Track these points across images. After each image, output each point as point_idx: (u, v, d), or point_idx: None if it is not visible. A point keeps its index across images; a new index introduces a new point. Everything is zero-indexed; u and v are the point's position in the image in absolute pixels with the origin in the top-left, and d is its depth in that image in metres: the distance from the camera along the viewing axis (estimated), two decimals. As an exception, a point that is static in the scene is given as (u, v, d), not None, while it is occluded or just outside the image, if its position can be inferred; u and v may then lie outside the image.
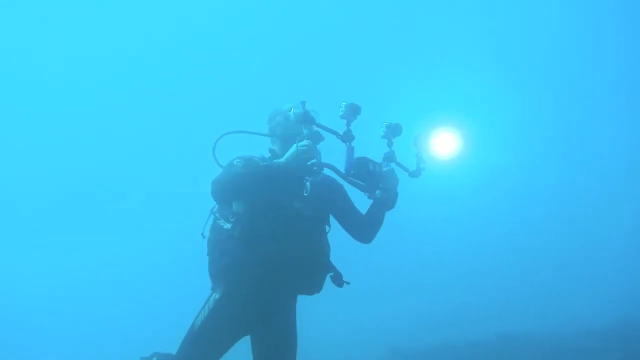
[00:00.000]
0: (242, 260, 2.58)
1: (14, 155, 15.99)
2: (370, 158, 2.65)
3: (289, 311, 2.77)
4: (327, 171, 2.69)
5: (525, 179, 14.99)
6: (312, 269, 2.67)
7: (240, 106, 13.07)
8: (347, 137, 2.58)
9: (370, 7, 17.28)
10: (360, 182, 2.68)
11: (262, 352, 2.70)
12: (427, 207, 12.84)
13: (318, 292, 2.74)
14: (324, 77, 15.15)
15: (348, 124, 2.59)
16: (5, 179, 15.21)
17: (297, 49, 16.96)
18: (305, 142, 2.52)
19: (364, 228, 2.90)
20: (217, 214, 2.76)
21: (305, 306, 2.90)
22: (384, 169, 2.69)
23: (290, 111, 2.68)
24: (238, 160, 2.72)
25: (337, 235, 2.87)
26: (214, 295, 2.68)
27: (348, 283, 2.74)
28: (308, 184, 2.61)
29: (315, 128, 2.65)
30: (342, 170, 2.62)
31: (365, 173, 2.63)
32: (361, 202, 2.86)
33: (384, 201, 2.76)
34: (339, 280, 2.74)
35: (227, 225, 2.64)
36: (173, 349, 2.69)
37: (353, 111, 2.57)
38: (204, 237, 2.81)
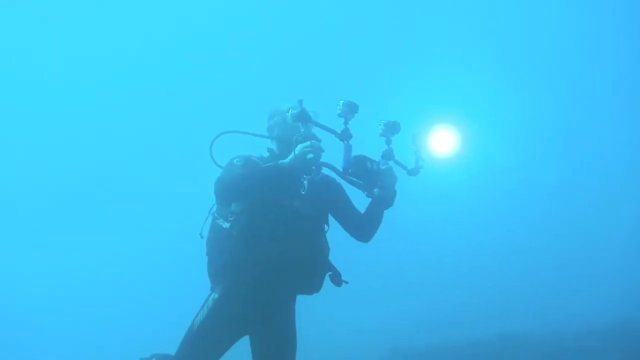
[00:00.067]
0: (241, 259, 2.58)
1: (14, 155, 16.00)
2: (368, 156, 2.64)
3: (289, 311, 2.77)
4: (326, 170, 2.68)
5: (524, 177, 14.97)
6: (311, 269, 2.67)
7: (240, 106, 13.08)
8: (345, 136, 2.57)
9: (368, 4, 17.26)
10: (358, 181, 2.67)
11: (262, 352, 2.70)
12: (426, 205, 12.82)
13: (317, 291, 2.74)
14: (322, 75, 15.13)
15: (346, 122, 2.58)
16: (5, 179, 15.21)
17: (295, 47, 16.94)
18: (309, 142, 2.52)
19: (362, 227, 2.89)
20: (215, 214, 2.76)
21: (305, 306, 2.90)
22: (382, 167, 2.68)
23: (288, 112, 2.69)
24: (238, 160, 2.72)
25: (336, 235, 2.87)
26: (212, 295, 2.67)
27: (346, 282, 2.74)
28: (306, 182, 2.60)
29: (312, 127, 2.65)
30: (340, 169, 2.61)
31: (363, 171, 2.62)
32: (360, 200, 2.85)
33: (382, 199, 2.75)
34: (337, 280, 2.73)
35: (226, 225, 2.64)
36: (172, 349, 2.69)
37: (350, 109, 2.56)
38: (202, 237, 2.81)
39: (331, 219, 2.91)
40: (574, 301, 10.18)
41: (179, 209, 12.13)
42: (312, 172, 2.57)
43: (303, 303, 2.84)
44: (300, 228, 2.65)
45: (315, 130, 2.69)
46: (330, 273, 2.73)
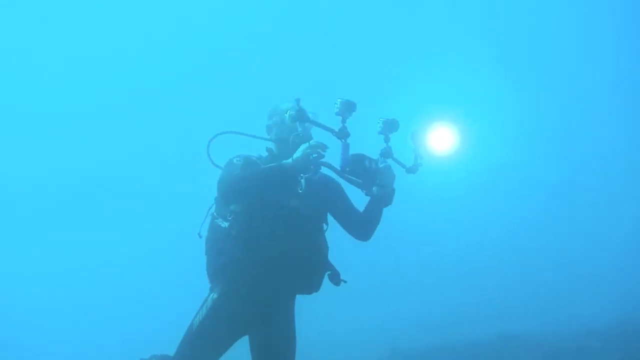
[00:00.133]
0: (240, 259, 2.57)
1: (14, 155, 16.00)
2: (366, 154, 2.64)
3: (288, 311, 2.76)
4: (325, 169, 2.68)
5: (524, 176, 14.95)
6: (310, 268, 2.66)
7: (239, 105, 13.08)
8: (343, 134, 2.57)
9: (366, 2, 17.24)
10: (357, 179, 2.67)
11: (261, 353, 2.69)
12: (425, 203, 12.80)
13: (316, 291, 2.73)
14: (320, 73, 15.12)
15: (343, 121, 2.57)
16: (5, 179, 15.21)
17: (294, 45, 16.92)
18: (313, 142, 2.52)
19: (361, 226, 2.89)
20: (215, 213, 2.75)
21: (305, 306, 2.90)
22: (381, 165, 2.67)
23: (286, 113, 2.69)
24: (238, 159, 2.72)
25: (336, 235, 2.87)
26: (212, 295, 2.67)
27: (345, 281, 2.73)
28: (303, 181, 2.60)
29: (311, 126, 2.65)
30: (338, 167, 2.61)
31: (361, 170, 2.62)
32: (359, 199, 2.85)
33: (381, 198, 2.74)
34: (336, 279, 2.73)
35: (225, 224, 2.64)
36: (172, 350, 2.68)
37: (348, 108, 2.56)
38: (200, 236, 2.80)
39: (330, 218, 2.91)
40: (574, 301, 10.17)
41: (179, 209, 12.13)
42: (310, 171, 2.57)
43: (303, 303, 2.83)
44: (300, 227, 2.64)
45: (314, 130, 2.70)
46: (329, 272, 2.73)
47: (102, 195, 15.55)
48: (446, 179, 10.76)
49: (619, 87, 15.71)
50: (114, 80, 17.12)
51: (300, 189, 2.59)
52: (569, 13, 16.08)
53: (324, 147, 2.54)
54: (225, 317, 2.60)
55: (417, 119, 2.75)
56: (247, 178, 2.61)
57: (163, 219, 14.41)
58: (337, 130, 2.58)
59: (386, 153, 2.70)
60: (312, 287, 2.70)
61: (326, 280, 2.74)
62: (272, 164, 2.62)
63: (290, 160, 2.55)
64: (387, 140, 2.70)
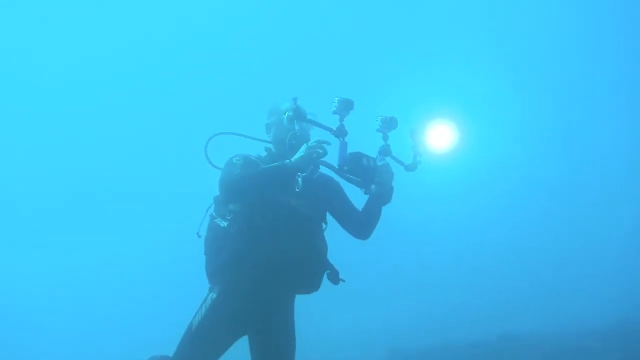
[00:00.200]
0: (239, 257, 2.56)
1: (14, 155, 15.99)
2: (364, 153, 2.63)
3: (287, 310, 2.76)
4: (324, 169, 2.68)
5: (523, 174, 14.91)
6: (310, 267, 2.66)
7: (239, 105, 13.07)
8: (340, 133, 2.57)
9: (364, -1, 17.23)
10: (356, 178, 2.67)
11: (260, 353, 2.69)
12: (424, 202, 12.76)
13: (316, 290, 2.73)
14: (318, 71, 15.07)
15: (341, 119, 2.58)
16: (5, 179, 15.20)
17: (291, 42, 16.88)
18: (315, 142, 2.52)
19: (361, 224, 2.89)
20: (213, 213, 2.75)
21: (305, 306, 2.89)
22: (379, 163, 2.67)
23: (284, 114, 2.69)
24: (237, 159, 2.72)
25: (335, 235, 2.86)
26: (211, 294, 2.67)
27: (343, 281, 2.73)
28: (300, 180, 2.59)
29: (310, 127, 2.65)
30: (335, 166, 2.61)
31: (360, 168, 2.61)
32: (358, 198, 2.84)
33: (380, 196, 2.75)
34: (335, 278, 2.73)
35: (224, 224, 2.63)
36: (171, 350, 2.68)
37: (346, 106, 2.56)
38: (199, 236, 2.80)
39: (329, 217, 2.91)
40: (574, 301, 10.17)
41: (178, 209, 12.11)
42: (309, 170, 2.57)
43: (302, 303, 2.83)
44: (299, 227, 2.64)
45: (313, 129, 2.70)
46: (328, 272, 2.72)
47: (102, 195, 15.53)
48: (445, 177, 10.75)
49: (619, 87, 15.69)
50: (114, 80, 17.11)
51: (298, 188, 2.59)
52: (569, 11, 16.05)
53: (327, 142, 2.54)
54: (225, 316, 2.60)
55: (416, 116, 2.75)
56: (248, 178, 2.60)
57: (162, 219, 14.39)
58: (334, 128, 2.58)
59: (385, 151, 2.71)
60: (311, 286, 2.70)
61: (326, 281, 2.73)
62: (274, 164, 2.61)
63: (292, 159, 2.54)
64: (385, 138, 2.70)
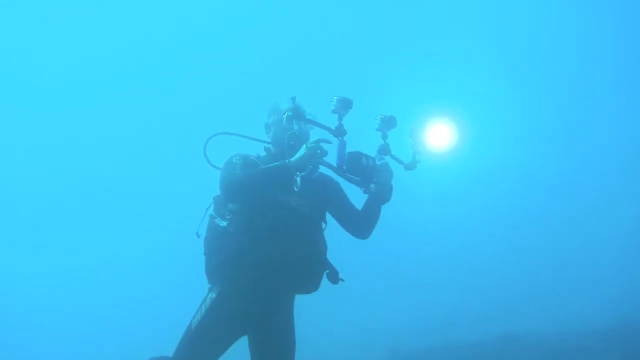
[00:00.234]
0: (239, 256, 2.56)
1: (14, 155, 16.00)
2: (364, 152, 2.63)
3: (287, 310, 2.76)
4: (323, 169, 2.68)
5: (523, 173, 14.90)
6: (309, 267, 2.66)
7: (238, 105, 13.09)
8: (339, 132, 2.56)
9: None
10: (355, 177, 2.66)
11: (260, 353, 2.68)
12: (424, 201, 12.77)
13: (315, 290, 2.72)
14: (317, 70, 15.08)
15: (340, 119, 2.57)
16: (5, 179, 15.21)
17: (291, 42, 16.88)
18: (314, 141, 2.52)
19: (360, 224, 2.89)
20: (213, 213, 2.75)
21: (305, 306, 2.89)
22: (378, 163, 2.67)
23: (284, 114, 2.69)
24: (237, 158, 2.72)
25: (335, 235, 2.86)
26: (210, 294, 2.67)
27: (343, 280, 2.73)
28: (298, 179, 2.59)
29: (310, 127, 2.65)
30: (334, 165, 2.61)
31: (359, 167, 2.61)
32: (357, 197, 2.84)
33: (379, 195, 2.74)
34: (334, 278, 2.72)
35: (223, 223, 2.64)
36: (171, 350, 2.67)
37: (344, 105, 2.56)
38: (198, 236, 2.80)
39: (329, 217, 2.91)
40: (574, 301, 10.17)
41: (178, 209, 12.12)
42: (307, 169, 2.57)
43: (302, 303, 2.83)
44: (298, 226, 2.64)
45: (312, 130, 2.69)
46: (327, 271, 2.72)
47: (102, 196, 15.55)
48: (445, 176, 10.77)
49: (618, 87, 15.69)
50: (114, 80, 17.12)
51: (296, 187, 2.58)
52: (569, 11, 16.04)
53: (326, 142, 2.54)
54: (224, 316, 2.59)
55: (415, 115, 2.74)
56: (248, 177, 2.60)
57: (162, 219, 14.41)
58: (333, 128, 2.58)
59: (384, 150, 2.70)
60: (310, 286, 2.69)
61: (325, 280, 2.73)
62: (274, 164, 2.61)
63: (293, 159, 2.53)
64: (384, 137, 2.69)
